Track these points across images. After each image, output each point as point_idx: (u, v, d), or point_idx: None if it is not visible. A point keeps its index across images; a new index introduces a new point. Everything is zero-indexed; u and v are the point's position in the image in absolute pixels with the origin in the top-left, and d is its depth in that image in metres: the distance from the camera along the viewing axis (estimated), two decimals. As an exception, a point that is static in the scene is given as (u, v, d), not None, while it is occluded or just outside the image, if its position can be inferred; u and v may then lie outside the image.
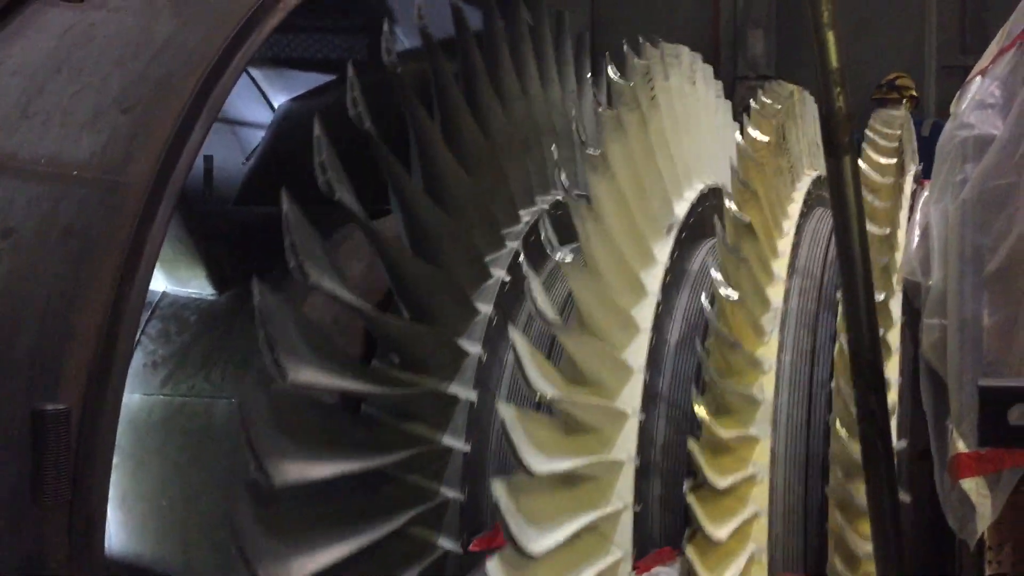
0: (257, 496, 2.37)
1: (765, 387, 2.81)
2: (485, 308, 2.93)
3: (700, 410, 2.61)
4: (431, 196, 2.85)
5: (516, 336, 2.42)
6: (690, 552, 2.50)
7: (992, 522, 1.82)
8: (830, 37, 1.56)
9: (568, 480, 2.53)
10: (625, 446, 2.68)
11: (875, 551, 1.28)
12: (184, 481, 3.00)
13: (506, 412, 2.37)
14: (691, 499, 2.50)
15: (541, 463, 2.37)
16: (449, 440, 2.78)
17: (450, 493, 2.78)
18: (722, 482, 2.55)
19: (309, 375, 2.35)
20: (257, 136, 4.73)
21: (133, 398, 3.01)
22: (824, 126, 1.58)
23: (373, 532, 2.55)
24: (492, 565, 2.32)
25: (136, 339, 2.83)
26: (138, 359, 3.08)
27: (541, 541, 2.33)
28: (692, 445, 2.54)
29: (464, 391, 2.82)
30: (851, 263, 1.37)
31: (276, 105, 4.73)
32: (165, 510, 3.02)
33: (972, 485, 1.87)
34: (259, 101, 4.88)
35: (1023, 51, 2.10)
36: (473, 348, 2.86)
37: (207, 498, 2.95)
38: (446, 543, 2.77)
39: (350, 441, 2.60)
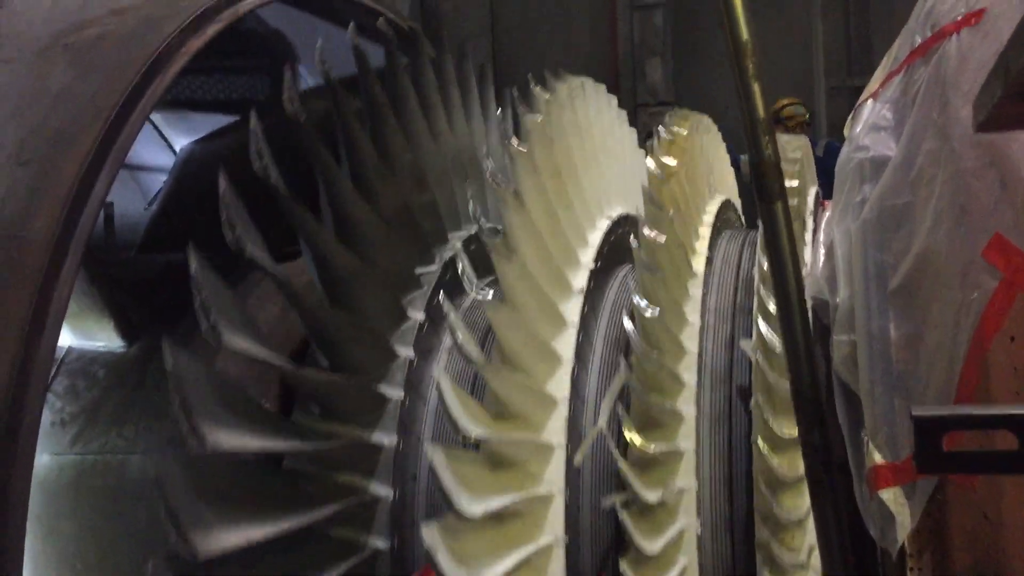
0: (178, 568, 2.30)
1: (688, 402, 2.87)
2: (405, 351, 2.91)
3: (627, 429, 2.65)
4: (342, 241, 2.82)
5: (440, 376, 2.41)
6: (624, 567, 2.52)
7: (911, 531, 1.88)
8: (756, 89, 1.61)
9: (498, 517, 2.52)
10: (553, 479, 2.69)
11: (824, 569, 1.31)
12: (99, 542, 2.89)
13: (435, 454, 2.35)
14: (623, 515, 2.53)
15: (472, 504, 2.36)
16: (375, 488, 2.75)
17: (379, 543, 2.74)
18: (652, 496, 2.59)
19: (227, 439, 2.29)
20: (158, 180, 4.63)
21: (42, 459, 2.90)
22: (755, 174, 1.64)
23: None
24: None
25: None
26: (46, 418, 2.96)
27: (476, 577, 2.32)
28: (621, 462, 2.57)
29: (387, 437, 2.79)
30: (787, 303, 1.41)
31: (178, 148, 4.64)
32: (80, 572, 2.90)
33: (890, 495, 1.93)
34: (160, 145, 4.78)
35: (910, 75, 2.19)
36: (394, 393, 2.84)
37: (123, 559, 2.84)
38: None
39: (273, 500, 2.53)
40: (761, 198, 1.64)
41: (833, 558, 1.20)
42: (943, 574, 1.86)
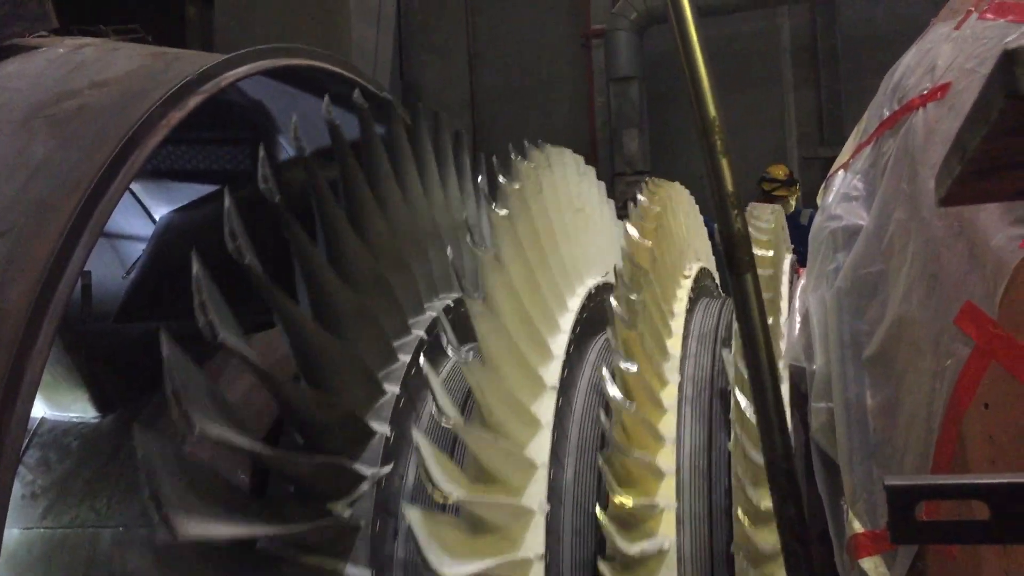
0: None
1: (667, 459, 2.86)
2: (381, 428, 2.86)
3: (607, 480, 2.64)
4: (318, 318, 2.82)
5: (419, 437, 2.40)
6: None
7: (893, 599, 1.87)
8: (724, 164, 1.65)
9: (478, 584, 2.49)
10: (532, 544, 2.67)
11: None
12: (68, 619, 2.82)
13: (412, 514, 2.33)
14: (604, 570, 2.50)
15: (449, 566, 2.33)
16: (352, 571, 2.70)
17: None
18: (632, 549, 2.57)
19: (199, 527, 2.26)
20: (137, 249, 4.63)
21: (11, 533, 2.83)
22: (725, 246, 1.67)
23: None
24: None
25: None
26: (16, 490, 2.91)
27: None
28: (602, 517, 2.56)
29: (364, 518, 2.73)
30: (759, 374, 1.43)
31: (157, 217, 4.65)
32: (48, 652, 2.82)
33: (871, 564, 1.92)
34: (139, 213, 4.78)
35: (880, 146, 2.24)
36: (371, 471, 2.79)
37: (93, 635, 2.77)
38: None
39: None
40: (732, 270, 1.67)
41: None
42: (926, 644, 1.85)
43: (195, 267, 2.35)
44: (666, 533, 2.79)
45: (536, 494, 2.74)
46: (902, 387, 1.94)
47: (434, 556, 2.32)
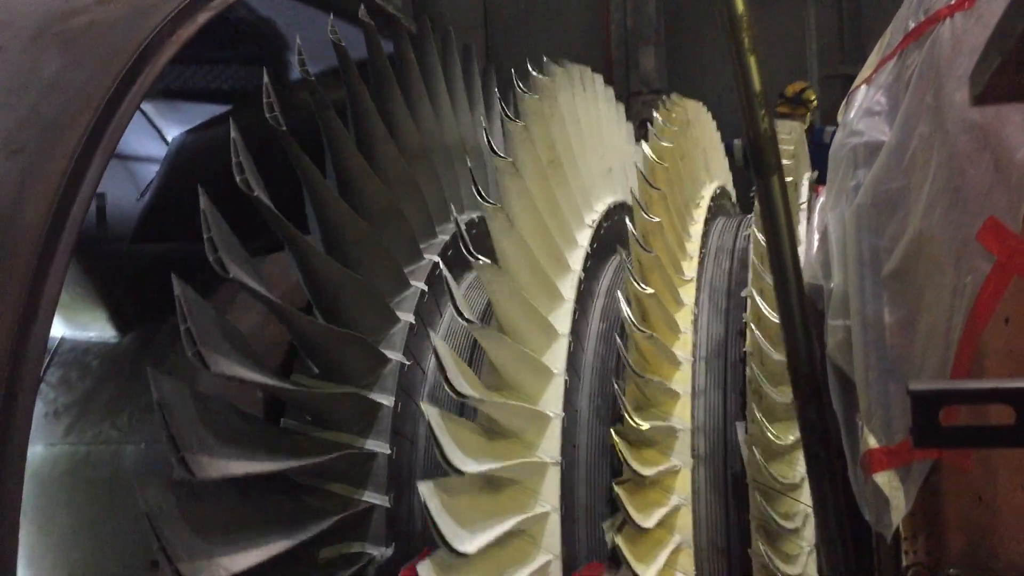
0: (179, 495, 2.30)
1: (683, 381, 2.87)
2: (395, 355, 2.88)
3: (622, 404, 2.65)
4: (328, 246, 2.82)
5: (438, 342, 2.42)
6: (619, 542, 2.53)
7: (906, 514, 1.89)
8: (751, 62, 1.60)
9: (494, 484, 2.54)
10: (549, 450, 2.70)
11: (824, 555, 1.31)
12: (94, 533, 2.89)
13: (431, 413, 2.36)
14: (618, 491, 2.54)
15: (466, 463, 2.37)
16: (371, 497, 2.74)
17: (375, 551, 2.74)
18: (647, 472, 2.60)
19: (217, 466, 2.30)
20: (150, 170, 4.60)
21: (36, 450, 2.89)
22: (751, 148, 1.62)
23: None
24: (424, 567, 2.31)
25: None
26: (39, 409, 2.95)
27: (472, 542, 2.33)
28: (616, 439, 2.58)
29: (381, 445, 2.78)
30: (784, 278, 1.41)
31: (169, 138, 4.61)
32: (77, 565, 2.90)
33: (885, 479, 1.93)
34: (151, 135, 4.74)
35: (904, 60, 2.19)
36: (386, 399, 2.81)
37: (120, 549, 2.84)
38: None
39: (268, 519, 2.54)
40: (758, 172, 1.62)
41: (831, 533, 1.20)
42: (938, 556, 1.86)
43: (203, 202, 2.34)
44: (680, 452, 2.81)
45: (553, 400, 2.76)
46: (921, 304, 1.92)
47: (453, 454, 2.36)
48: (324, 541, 2.63)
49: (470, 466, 2.39)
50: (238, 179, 2.42)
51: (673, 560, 2.68)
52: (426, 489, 2.30)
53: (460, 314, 2.45)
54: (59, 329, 3.16)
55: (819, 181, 3.69)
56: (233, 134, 2.42)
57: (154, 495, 2.27)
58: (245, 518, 2.47)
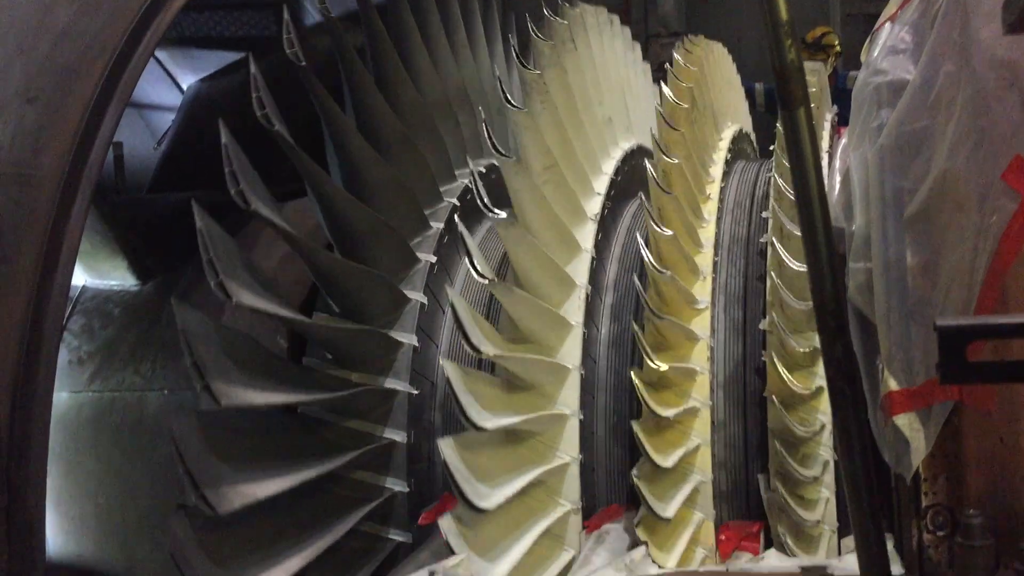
0: (201, 520, 2.32)
1: (701, 324, 2.87)
2: (415, 295, 2.88)
3: (642, 349, 2.65)
4: (349, 186, 2.80)
5: (455, 297, 2.42)
6: (639, 482, 2.54)
7: (926, 456, 1.89)
8: None
9: (513, 437, 2.56)
10: (568, 401, 2.71)
11: (848, 494, 1.31)
12: (120, 478, 2.94)
13: (449, 368, 2.37)
14: (637, 430, 2.55)
15: (485, 418, 2.38)
16: (391, 433, 2.76)
17: (396, 485, 2.76)
18: (666, 412, 2.61)
19: (240, 394, 2.32)
20: (167, 119, 4.59)
21: (60, 396, 2.93)
22: (778, 79, 1.58)
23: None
24: (445, 523, 2.34)
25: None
26: (63, 356, 2.99)
27: (491, 497, 2.36)
28: (636, 379, 2.59)
29: (401, 383, 2.79)
30: (810, 212, 1.38)
31: (185, 86, 4.59)
32: (103, 509, 2.95)
33: (905, 421, 1.93)
34: (167, 83, 4.72)
35: (930, -4, 2.14)
36: (407, 338, 2.82)
37: (145, 493, 2.89)
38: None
39: (290, 451, 2.56)
40: (784, 105, 1.58)
41: (856, 471, 1.20)
42: (958, 498, 1.87)
43: (224, 136, 2.33)
44: (700, 395, 2.81)
45: (571, 352, 2.76)
46: (944, 245, 1.90)
47: (472, 410, 2.37)
48: (346, 474, 2.66)
49: (490, 421, 2.40)
50: (259, 114, 2.41)
51: (692, 499, 2.71)
52: (446, 446, 2.31)
53: (476, 271, 2.45)
54: (81, 278, 3.18)
55: (840, 123, 3.64)
56: (253, 70, 2.40)
57: (180, 425, 2.30)
58: (269, 450, 2.50)
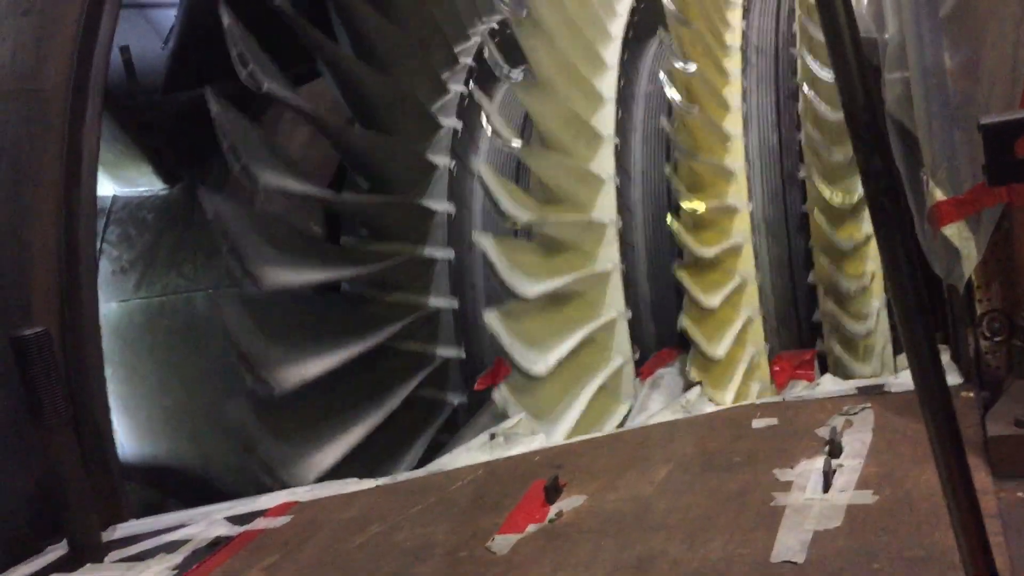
0: (260, 402, 2.36)
1: (735, 158, 2.80)
2: (443, 160, 2.83)
3: (677, 187, 2.60)
4: (360, 56, 2.73)
5: (482, 167, 2.38)
6: (687, 325, 2.53)
7: (978, 262, 1.84)
8: None
9: (558, 299, 2.55)
10: (608, 256, 2.69)
11: (895, 305, 1.29)
12: (180, 377, 3.01)
13: (485, 242, 2.35)
14: (681, 274, 2.52)
15: (529, 286, 2.38)
16: (436, 301, 2.77)
17: (448, 351, 2.78)
18: (708, 253, 2.58)
19: (282, 276, 2.32)
20: (170, 16, 4.48)
21: (111, 307, 2.97)
22: None
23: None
24: (500, 394, 2.36)
25: (98, 248, 2.76)
26: (105, 268, 3.02)
27: (544, 361, 2.37)
28: (674, 224, 2.55)
29: (440, 250, 2.78)
30: (836, 22, 1.30)
31: (182, -21, 4.45)
32: (169, 408, 3.03)
33: (954, 230, 1.87)
34: (164, -22, 4.59)
35: None
36: (440, 205, 2.79)
37: (206, 388, 2.96)
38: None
39: (339, 327, 2.57)
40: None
41: (904, 288, 1.18)
42: (1013, 301, 1.83)
43: (225, 19, 2.26)
44: (740, 231, 2.77)
45: (606, 207, 2.72)
46: (983, 42, 1.80)
47: (513, 279, 2.36)
48: (397, 345, 2.69)
49: (533, 288, 2.39)
50: None
51: (743, 336, 2.70)
52: (492, 319, 2.31)
53: (500, 136, 2.39)
54: (109, 188, 3.18)
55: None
56: None
57: (230, 313, 2.32)
58: (319, 329, 2.54)
